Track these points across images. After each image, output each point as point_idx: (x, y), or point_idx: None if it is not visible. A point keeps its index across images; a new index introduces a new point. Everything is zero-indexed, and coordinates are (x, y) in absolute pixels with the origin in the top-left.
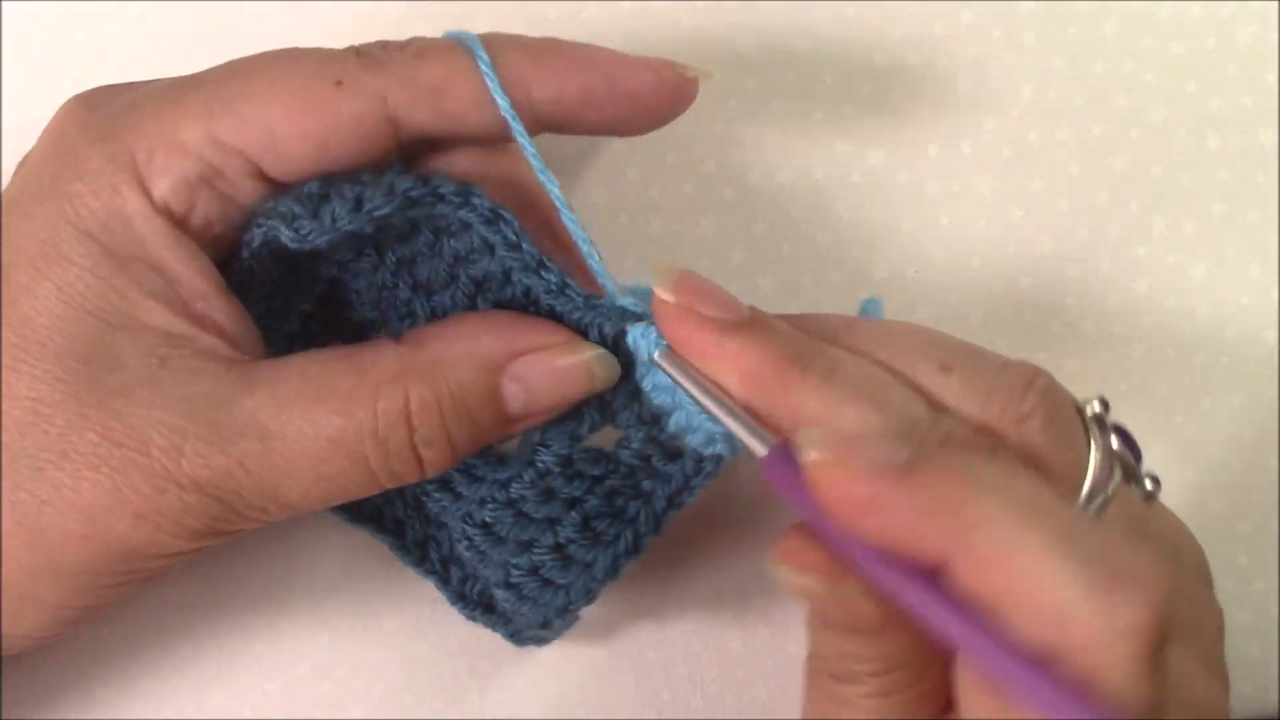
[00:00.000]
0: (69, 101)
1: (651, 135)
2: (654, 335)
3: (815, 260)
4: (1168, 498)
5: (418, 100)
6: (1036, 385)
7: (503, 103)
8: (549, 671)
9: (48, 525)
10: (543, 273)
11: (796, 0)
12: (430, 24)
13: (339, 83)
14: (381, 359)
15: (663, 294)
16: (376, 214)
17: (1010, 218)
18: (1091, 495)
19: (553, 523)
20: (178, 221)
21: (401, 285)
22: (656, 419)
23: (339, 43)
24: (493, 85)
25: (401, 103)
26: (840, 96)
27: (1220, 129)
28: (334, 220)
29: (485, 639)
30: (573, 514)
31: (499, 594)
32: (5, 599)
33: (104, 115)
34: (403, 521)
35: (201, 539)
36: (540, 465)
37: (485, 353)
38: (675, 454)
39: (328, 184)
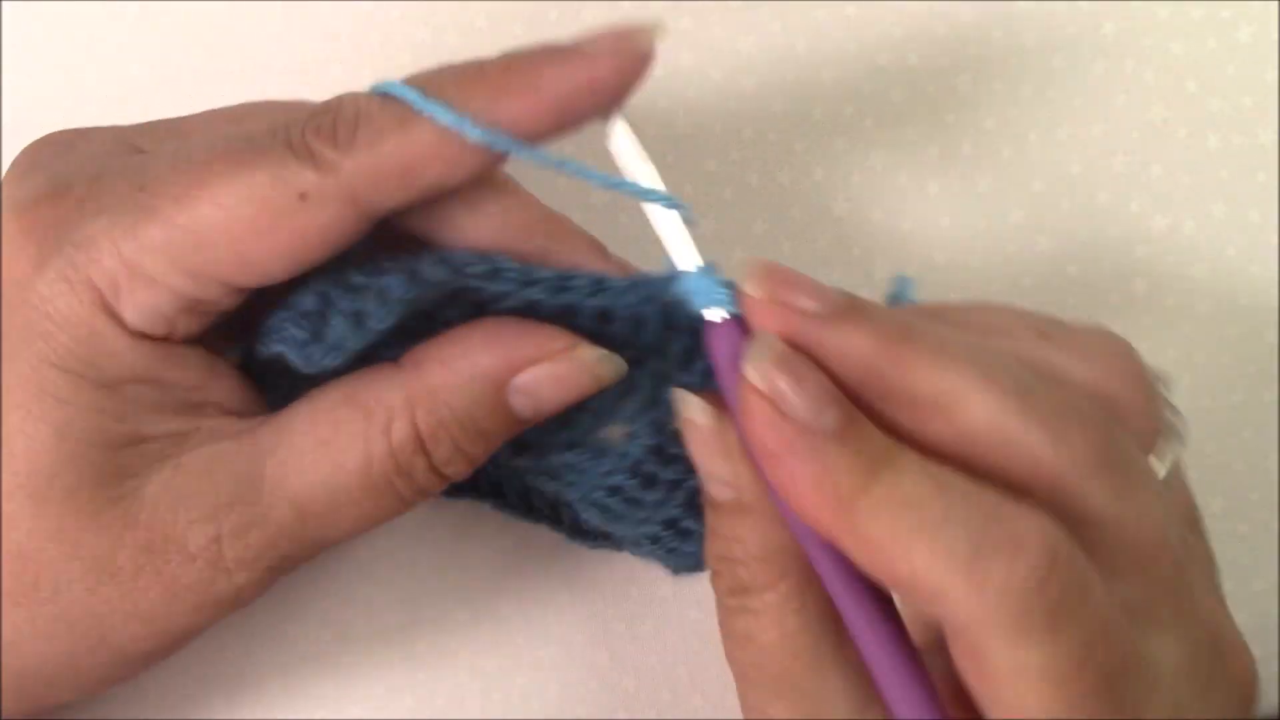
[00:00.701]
0: (9, 226)
1: (651, 136)
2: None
3: (815, 260)
4: None
5: (386, 189)
6: (1126, 355)
7: (476, 135)
8: (549, 672)
9: (111, 633)
10: (574, 283)
11: (796, 0)
12: (431, 24)
13: (303, 196)
14: (384, 393)
15: (751, 289)
16: (378, 327)
17: (1010, 218)
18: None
19: (661, 504)
20: (158, 340)
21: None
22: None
23: (338, 43)
24: (480, 139)
25: (369, 195)
26: (840, 96)
27: (1220, 129)
28: (342, 342)
29: (485, 638)
30: (678, 493)
31: (633, 552)
32: (83, 689)
33: (58, 247)
34: (498, 482)
35: (258, 597)
36: (633, 456)
37: (484, 373)
38: None
39: (322, 299)
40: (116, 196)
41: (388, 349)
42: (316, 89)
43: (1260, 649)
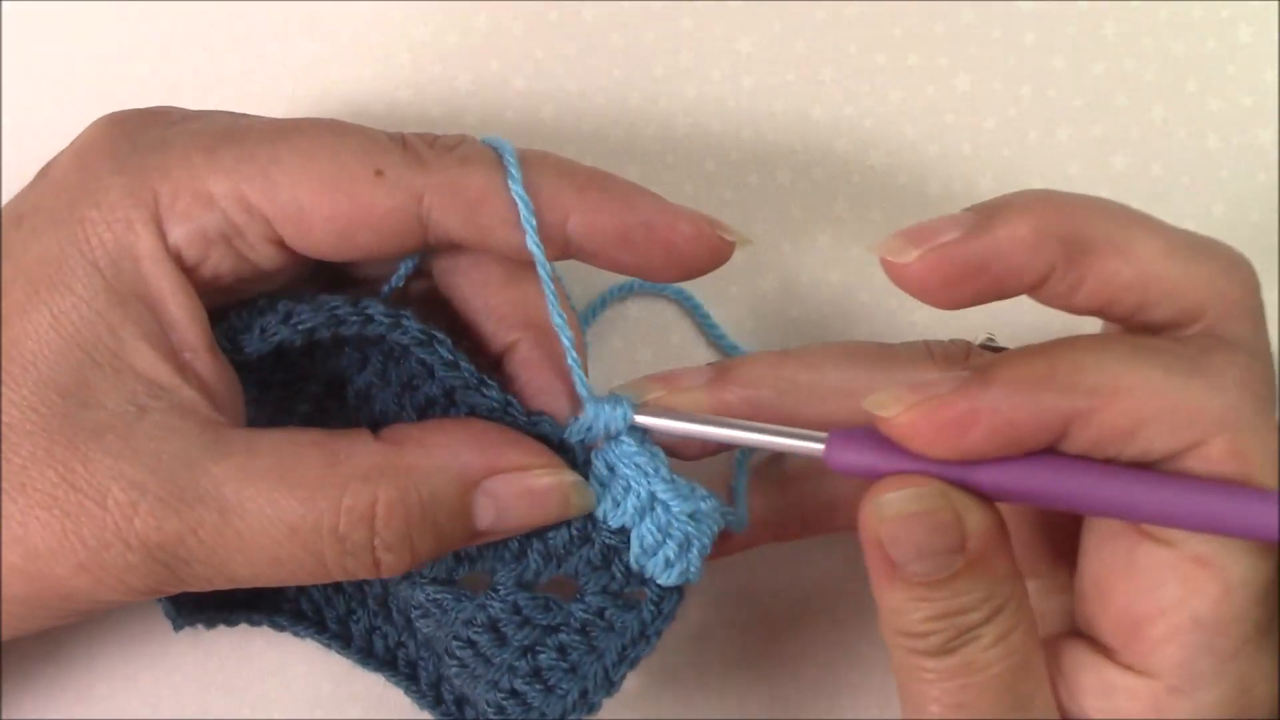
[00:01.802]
0: (100, 120)
1: (651, 135)
2: (621, 411)
3: (815, 260)
4: None
5: (453, 207)
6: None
7: (529, 228)
8: None
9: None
10: (484, 390)
11: (796, 0)
12: (431, 24)
13: (379, 172)
14: (356, 453)
15: (893, 258)
16: (302, 326)
17: None
18: None
19: (510, 668)
20: (187, 269)
21: (364, 409)
22: (607, 562)
23: (338, 44)
24: (523, 207)
25: (436, 205)
26: (840, 96)
27: (1220, 129)
28: (263, 331)
29: None
30: (524, 663)
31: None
32: None
33: (133, 148)
34: (415, 661)
35: (142, 595)
36: (490, 610)
37: (462, 467)
38: (631, 604)
39: (269, 301)
40: (207, 124)
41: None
42: (316, 89)
43: None
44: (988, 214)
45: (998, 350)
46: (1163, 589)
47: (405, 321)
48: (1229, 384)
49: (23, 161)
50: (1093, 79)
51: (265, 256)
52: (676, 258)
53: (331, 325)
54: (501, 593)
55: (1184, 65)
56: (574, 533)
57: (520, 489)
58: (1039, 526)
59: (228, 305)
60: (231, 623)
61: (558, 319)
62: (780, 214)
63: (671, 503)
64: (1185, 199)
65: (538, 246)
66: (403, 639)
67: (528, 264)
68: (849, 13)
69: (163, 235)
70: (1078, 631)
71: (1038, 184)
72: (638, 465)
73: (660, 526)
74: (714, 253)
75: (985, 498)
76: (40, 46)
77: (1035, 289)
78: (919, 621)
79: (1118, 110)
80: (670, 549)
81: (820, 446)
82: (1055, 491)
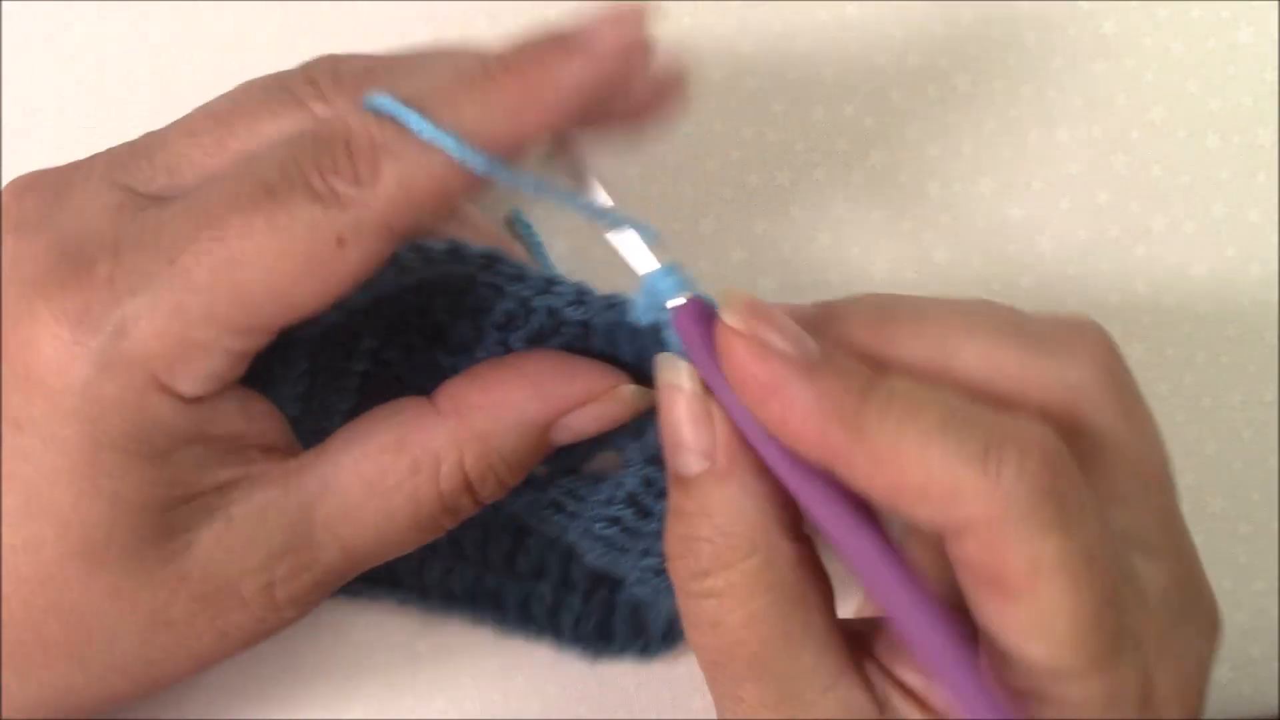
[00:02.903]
0: (37, 309)
1: (650, 136)
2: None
3: (815, 260)
4: None
5: (419, 212)
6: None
7: (481, 168)
8: (549, 671)
9: (161, 674)
10: (556, 288)
11: (796, 0)
12: (431, 25)
13: (340, 240)
14: (430, 440)
15: (729, 319)
16: (352, 301)
17: (1010, 218)
18: None
19: (659, 536)
20: (212, 398)
21: (435, 352)
22: None
23: (338, 44)
24: (471, 160)
25: (406, 223)
26: (840, 96)
27: (1220, 129)
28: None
29: (485, 639)
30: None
31: (637, 591)
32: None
33: (100, 339)
34: (497, 590)
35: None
36: (628, 486)
37: (532, 418)
38: None
39: None
40: (147, 274)
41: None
42: None
43: (1260, 649)
44: (821, 365)
45: None
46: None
47: (464, 253)
48: (1025, 467)
49: (23, 161)
50: (1093, 79)
51: (271, 336)
52: (613, 87)
53: (397, 275)
54: (633, 468)
55: (1184, 65)
56: None
57: (589, 419)
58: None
59: None
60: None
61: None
62: (780, 214)
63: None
64: (1185, 199)
65: (505, 172)
66: (481, 575)
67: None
68: (849, 13)
69: (177, 396)
70: None
71: (1038, 184)
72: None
73: None
74: (640, 51)
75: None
76: (40, 46)
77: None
78: (671, 536)
79: (1118, 110)
80: None
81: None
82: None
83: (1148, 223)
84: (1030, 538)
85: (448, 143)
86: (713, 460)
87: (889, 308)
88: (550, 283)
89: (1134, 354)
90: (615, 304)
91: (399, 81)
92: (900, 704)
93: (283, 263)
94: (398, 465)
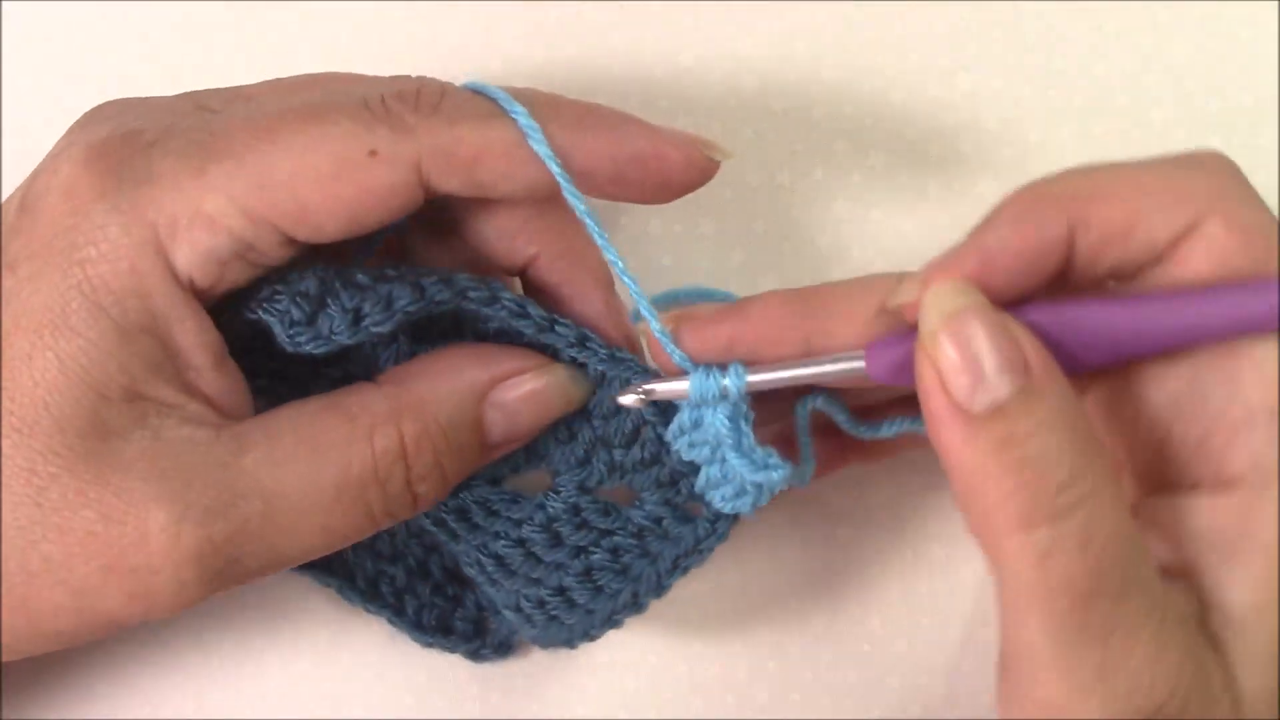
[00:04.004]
0: (77, 156)
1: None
2: (733, 379)
3: (815, 260)
4: None
5: (449, 169)
6: None
7: (560, 174)
8: (549, 672)
9: (35, 595)
10: (558, 329)
11: (796, 0)
12: (431, 24)
13: (373, 153)
14: (369, 402)
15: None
16: (374, 329)
17: None
18: None
19: (559, 567)
20: (201, 290)
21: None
22: (675, 482)
23: (338, 43)
24: (544, 153)
25: (433, 171)
26: (840, 96)
27: (1220, 129)
28: (332, 333)
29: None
30: (576, 562)
31: (507, 614)
32: None
33: (120, 183)
34: (351, 563)
35: (195, 603)
36: (549, 509)
37: (469, 384)
38: (688, 517)
39: (323, 286)
40: (186, 140)
41: (327, 367)
42: None
43: None
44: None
45: None
46: (1210, 398)
47: (501, 296)
48: (1218, 172)
49: (23, 161)
50: (1093, 79)
51: (279, 256)
52: (667, 185)
53: (404, 319)
54: (563, 494)
55: (1184, 65)
56: (645, 455)
57: (523, 394)
58: None
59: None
60: None
61: (604, 245)
62: (780, 214)
63: (743, 471)
64: None
65: (578, 198)
66: (388, 570)
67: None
68: (849, 13)
69: (170, 266)
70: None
71: None
72: (720, 429)
73: (728, 475)
74: (703, 173)
75: None
76: (40, 46)
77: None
78: (1007, 470)
79: (1118, 110)
80: (730, 491)
81: (860, 364)
82: (1089, 326)
83: None
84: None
85: (520, 114)
86: (1030, 374)
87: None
88: (553, 322)
89: None
90: (620, 359)
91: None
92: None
93: (312, 154)
94: (334, 420)
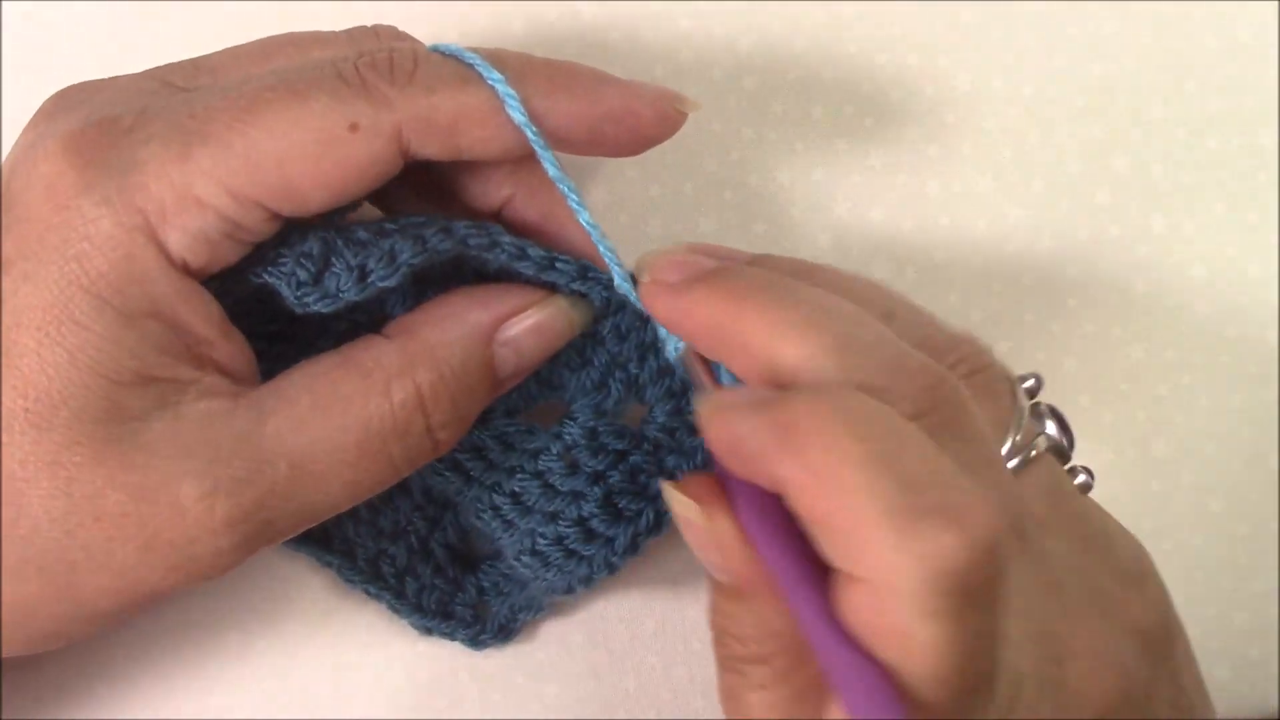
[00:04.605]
0: (54, 149)
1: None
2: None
3: (815, 260)
4: (1169, 499)
5: (429, 137)
6: (973, 344)
7: (536, 142)
8: (549, 672)
9: (79, 582)
10: (559, 265)
11: (797, 0)
12: (431, 24)
13: (354, 126)
14: (381, 356)
15: (641, 276)
16: (381, 284)
17: (1010, 218)
18: (1013, 452)
19: (577, 496)
20: (195, 270)
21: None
22: (685, 390)
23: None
24: (520, 121)
25: (412, 138)
26: (840, 96)
27: (1220, 129)
28: (339, 291)
29: None
30: (596, 489)
31: (523, 560)
32: (32, 640)
33: (106, 173)
34: (352, 541)
35: (233, 568)
36: (566, 438)
37: (476, 327)
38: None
39: (326, 245)
40: (166, 124)
41: (333, 321)
42: None
43: (1260, 649)
44: (695, 278)
45: (1036, 388)
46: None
47: (500, 240)
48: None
49: None
50: (1093, 79)
51: (266, 231)
52: (639, 139)
53: (424, 254)
54: (580, 420)
55: (1184, 65)
56: (660, 362)
57: (527, 327)
58: None
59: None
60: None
61: (578, 209)
62: (780, 214)
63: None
64: (1185, 199)
65: (553, 165)
66: (340, 520)
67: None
68: (849, 13)
69: (164, 250)
70: None
71: (1038, 184)
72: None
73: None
74: (673, 126)
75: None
76: (40, 46)
77: None
78: (711, 618)
79: (1118, 110)
80: None
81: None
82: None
83: (1148, 223)
84: (924, 617)
85: (496, 80)
86: (735, 579)
87: (752, 288)
88: (553, 260)
89: (1134, 354)
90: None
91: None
92: None
93: (294, 133)
94: (348, 377)
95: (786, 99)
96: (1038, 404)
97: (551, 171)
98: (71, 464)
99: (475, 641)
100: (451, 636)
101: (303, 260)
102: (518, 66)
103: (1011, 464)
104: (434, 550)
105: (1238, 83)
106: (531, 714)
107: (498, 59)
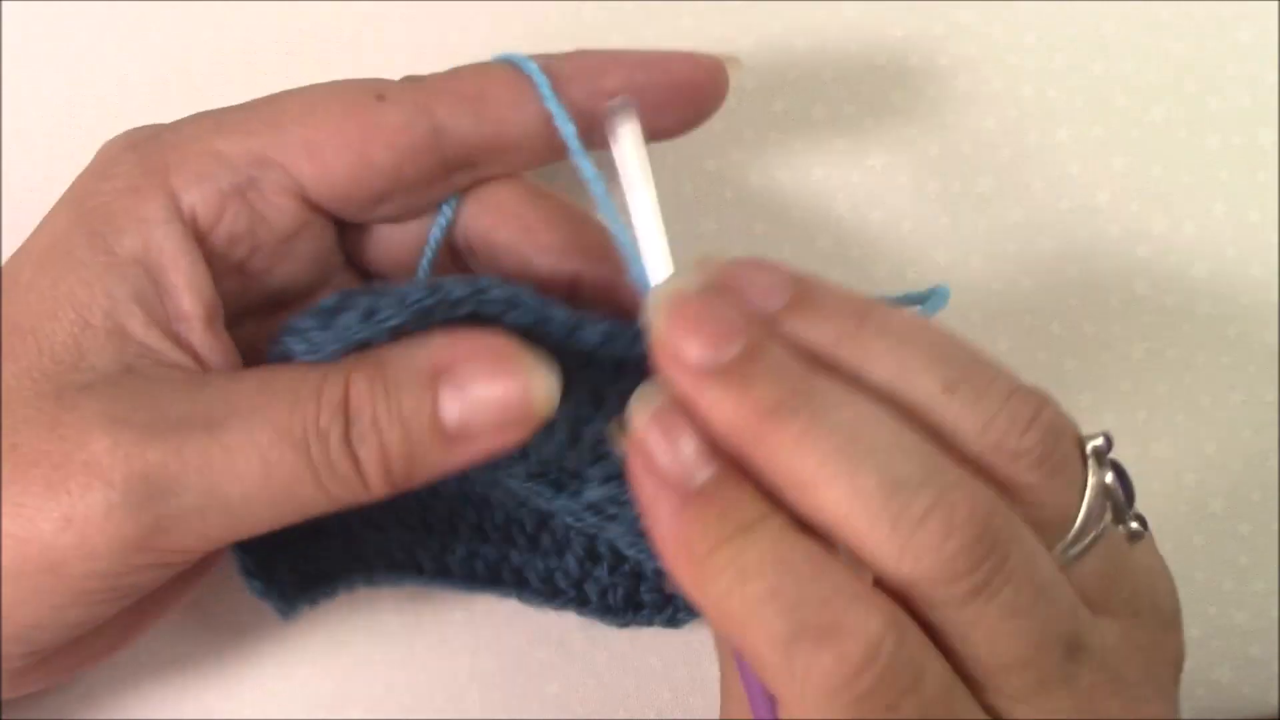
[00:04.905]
0: (114, 139)
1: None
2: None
3: (815, 260)
4: (1170, 498)
5: (459, 107)
6: (1041, 419)
7: (552, 104)
8: (549, 671)
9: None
10: (587, 329)
11: (796, 0)
12: (432, 24)
13: (380, 96)
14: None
15: (655, 319)
16: (388, 324)
17: (1010, 218)
18: (1080, 535)
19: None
20: (201, 234)
21: None
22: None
23: (338, 44)
24: (542, 85)
25: (442, 112)
26: (840, 96)
27: (1220, 129)
28: (346, 329)
29: (485, 638)
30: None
31: (632, 554)
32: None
33: (146, 139)
34: (520, 568)
35: (132, 552)
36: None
37: (428, 356)
38: None
39: (344, 298)
40: (202, 115)
41: None
42: None
43: (1260, 649)
44: (724, 370)
45: (1105, 451)
46: None
47: (524, 301)
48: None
49: (23, 161)
50: (1093, 79)
51: (283, 210)
52: (695, 112)
53: (419, 318)
54: (595, 484)
55: (1184, 65)
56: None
57: (483, 374)
58: None
59: (248, 295)
60: (331, 593)
61: (607, 211)
62: (780, 214)
63: None
64: (1185, 199)
65: (578, 147)
66: (506, 554)
67: (568, 205)
68: (849, 13)
69: (174, 199)
70: None
71: (1038, 184)
72: None
73: None
74: (721, 89)
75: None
76: (40, 46)
77: None
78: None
79: (1118, 110)
80: None
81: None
82: None
83: (1148, 223)
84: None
85: (524, 60)
86: (715, 464)
87: (785, 408)
88: (578, 325)
89: (1134, 354)
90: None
91: None
92: None
93: (320, 99)
94: (295, 367)
95: (786, 99)
96: (1105, 463)
97: (570, 141)
98: (18, 391)
99: (673, 620)
100: (649, 623)
101: (315, 314)
102: (574, 54)
103: (1074, 550)
104: (602, 552)
105: (1238, 83)
106: (531, 714)
107: (558, 59)
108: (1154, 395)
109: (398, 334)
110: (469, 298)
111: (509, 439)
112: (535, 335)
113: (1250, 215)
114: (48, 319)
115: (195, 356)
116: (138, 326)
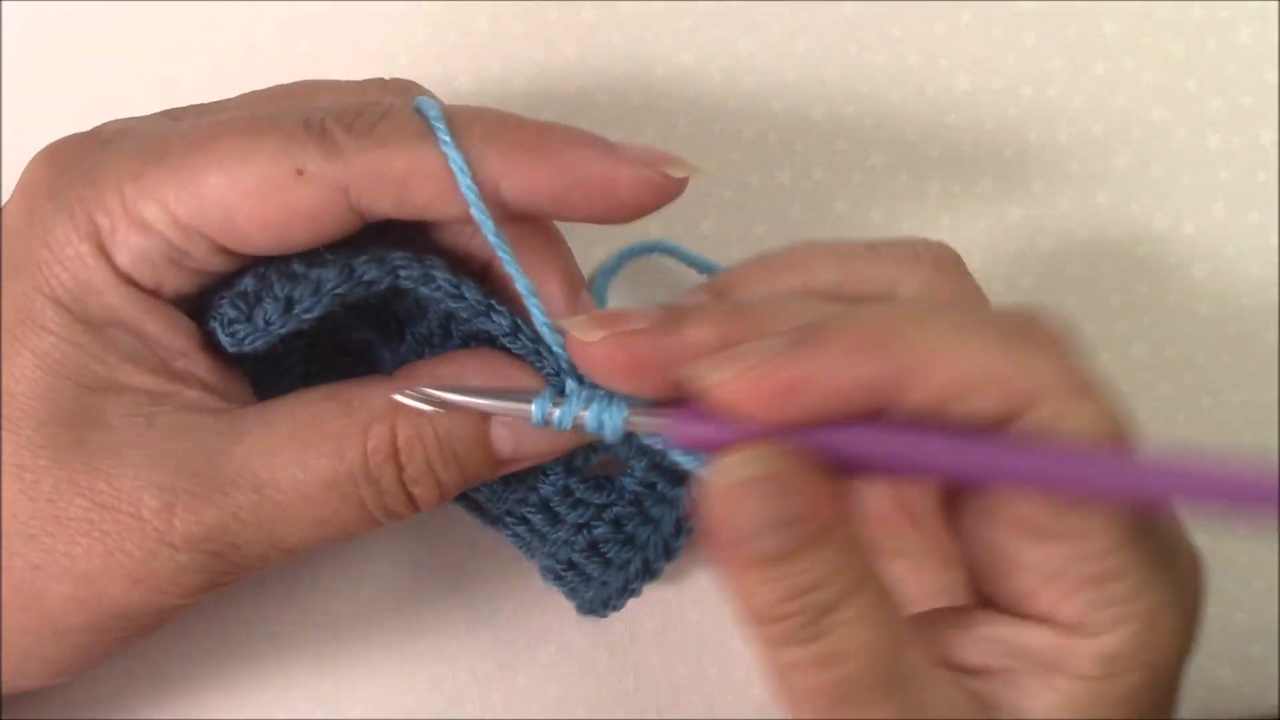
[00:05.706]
0: (38, 156)
1: (652, 136)
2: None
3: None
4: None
5: (380, 192)
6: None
7: (475, 202)
8: (549, 671)
9: (43, 590)
10: (492, 316)
11: (796, 0)
12: (431, 24)
13: (299, 171)
14: (369, 396)
15: (583, 335)
16: (306, 315)
17: (1010, 218)
18: None
19: (565, 543)
20: (148, 290)
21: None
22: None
23: (338, 44)
24: (463, 181)
25: (363, 194)
26: (840, 96)
27: (1220, 129)
28: (267, 323)
29: (485, 639)
30: (579, 538)
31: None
32: (5, 659)
33: (68, 182)
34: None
35: (199, 594)
36: (541, 492)
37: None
38: (681, 477)
39: (261, 282)
40: (135, 142)
41: (382, 355)
42: None
43: (1260, 649)
44: (676, 315)
45: None
46: (1049, 559)
47: (411, 270)
48: (1055, 354)
49: (23, 162)
50: (1093, 79)
51: (218, 264)
52: (620, 206)
53: (334, 303)
54: (551, 477)
55: (1184, 65)
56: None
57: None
58: (899, 506)
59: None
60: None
61: (517, 275)
62: (780, 214)
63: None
64: (1185, 199)
65: (488, 225)
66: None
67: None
68: (849, 13)
69: (113, 264)
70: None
71: (1039, 185)
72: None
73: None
74: (661, 193)
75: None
76: (40, 46)
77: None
78: (773, 604)
79: (1118, 110)
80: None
81: (661, 421)
82: (906, 455)
83: (1148, 223)
84: (1083, 401)
85: (450, 149)
86: (806, 525)
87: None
88: (490, 308)
89: (1134, 354)
90: (543, 354)
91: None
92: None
93: (240, 171)
94: (332, 411)
95: (787, 99)
96: None
97: (490, 238)
98: (36, 466)
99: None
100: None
101: (236, 300)
102: (489, 126)
103: None
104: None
105: (1238, 83)
106: (531, 714)
107: (471, 118)
108: (1154, 395)
109: (325, 321)
110: (383, 278)
111: (557, 453)
112: (450, 313)
113: (1250, 215)
114: (40, 389)
115: (205, 386)
116: (139, 380)
